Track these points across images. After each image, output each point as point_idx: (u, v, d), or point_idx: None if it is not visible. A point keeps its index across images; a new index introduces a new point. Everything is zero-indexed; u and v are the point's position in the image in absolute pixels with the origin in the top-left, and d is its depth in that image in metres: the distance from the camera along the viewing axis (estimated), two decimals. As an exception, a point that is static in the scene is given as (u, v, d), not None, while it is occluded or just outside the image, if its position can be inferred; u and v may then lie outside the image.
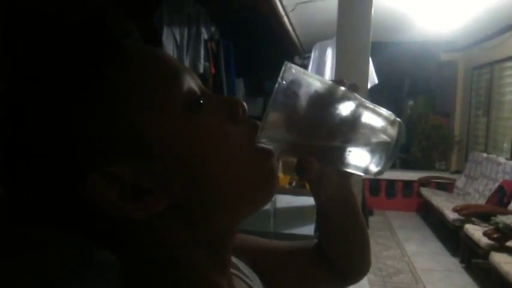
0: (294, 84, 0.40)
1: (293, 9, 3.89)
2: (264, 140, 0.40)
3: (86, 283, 1.16)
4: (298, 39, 5.25)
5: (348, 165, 0.43)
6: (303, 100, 0.40)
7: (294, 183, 3.10)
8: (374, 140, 0.41)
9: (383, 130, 0.41)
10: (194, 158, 0.37)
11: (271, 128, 0.39)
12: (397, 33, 5.19)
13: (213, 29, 3.16)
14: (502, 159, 4.76)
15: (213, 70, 3.26)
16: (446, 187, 5.94)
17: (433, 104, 7.48)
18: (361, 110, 0.41)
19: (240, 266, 0.54)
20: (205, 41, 3.12)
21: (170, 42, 2.93)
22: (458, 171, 6.11)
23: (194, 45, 3.04)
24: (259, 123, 0.41)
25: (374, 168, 0.42)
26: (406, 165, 6.58)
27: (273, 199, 2.67)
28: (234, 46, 3.57)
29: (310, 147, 0.41)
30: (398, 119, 0.42)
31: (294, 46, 5.43)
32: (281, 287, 0.60)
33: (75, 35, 0.38)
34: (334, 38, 2.95)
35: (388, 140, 0.41)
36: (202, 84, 0.43)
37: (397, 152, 0.41)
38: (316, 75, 0.43)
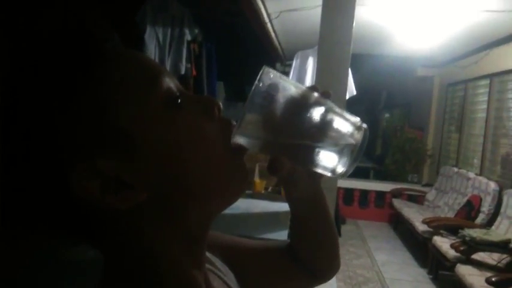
0: (271, 87, 0.43)
1: (277, 17, 3.93)
2: (239, 137, 0.43)
3: (62, 283, 1.15)
4: (280, 46, 5.30)
5: (316, 165, 0.46)
6: (278, 102, 0.43)
7: (269, 189, 3.12)
8: (341, 142, 0.44)
9: (350, 134, 0.44)
10: (172, 153, 0.40)
11: (247, 126, 0.42)
12: (377, 47, 5.30)
13: (196, 30, 3.16)
14: (471, 175, 4.90)
15: (194, 72, 3.26)
16: (417, 199, 6.08)
17: (408, 117, 7.65)
18: (331, 114, 0.45)
19: (216, 262, 0.56)
20: (188, 42, 3.11)
21: (152, 41, 2.91)
22: (429, 184, 6.26)
23: (177, 45, 3.04)
24: (233, 121, 0.44)
25: (340, 169, 0.45)
26: (379, 177, 6.70)
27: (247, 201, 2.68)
28: (216, 49, 3.58)
29: (282, 146, 0.44)
30: (364, 125, 0.46)
31: (276, 53, 5.48)
32: (254, 284, 0.62)
33: (60, 39, 0.40)
34: (316, 47, 2.99)
35: (354, 143, 0.44)
36: (182, 85, 0.45)
37: (360, 155, 0.44)
38: (292, 80, 0.46)
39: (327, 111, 0.44)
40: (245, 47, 4.12)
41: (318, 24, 2.64)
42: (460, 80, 5.78)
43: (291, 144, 0.44)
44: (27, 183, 0.38)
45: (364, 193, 6.47)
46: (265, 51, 4.95)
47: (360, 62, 4.91)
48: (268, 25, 4.02)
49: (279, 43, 5.11)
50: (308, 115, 0.44)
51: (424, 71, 6.55)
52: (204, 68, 3.40)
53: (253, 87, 0.42)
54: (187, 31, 3.07)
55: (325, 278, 0.67)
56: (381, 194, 6.46)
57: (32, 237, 0.46)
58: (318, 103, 0.45)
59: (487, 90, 5.00)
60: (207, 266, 0.52)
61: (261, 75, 0.43)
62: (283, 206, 2.68)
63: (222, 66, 3.74)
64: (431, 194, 5.77)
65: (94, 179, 0.37)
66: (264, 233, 2.19)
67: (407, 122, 7.47)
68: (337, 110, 0.45)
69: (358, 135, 0.44)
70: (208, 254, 0.55)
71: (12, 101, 0.37)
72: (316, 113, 0.44)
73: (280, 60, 6.11)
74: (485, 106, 5.04)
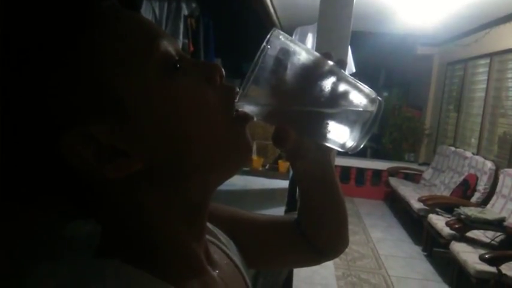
0: (281, 51, 0.40)
1: (276, -8, 3.85)
2: (243, 104, 0.41)
3: (54, 258, 1.15)
4: (279, 22, 5.22)
5: (325, 137, 0.43)
6: (288, 67, 0.40)
7: (267, 166, 3.13)
8: (353, 114, 0.42)
9: (363, 106, 0.42)
10: (169, 120, 0.38)
11: (253, 92, 0.40)
12: (378, 24, 5.23)
13: (193, 5, 3.10)
14: (468, 154, 4.92)
15: (191, 48, 3.21)
16: (413, 178, 6.11)
17: (407, 96, 7.62)
18: (344, 84, 0.42)
19: (218, 234, 0.55)
20: (185, 17, 3.06)
21: (148, 16, 2.86)
22: (426, 163, 6.29)
23: (173, 20, 2.99)
24: (237, 87, 0.41)
25: (350, 143, 0.43)
26: (376, 155, 6.73)
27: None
28: (214, 25, 3.52)
29: (290, 114, 0.42)
30: (379, 98, 0.43)
31: (274, 29, 5.40)
32: (257, 257, 0.61)
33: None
34: (315, 23, 2.95)
35: (367, 115, 0.42)
36: None
37: (373, 129, 0.42)
38: (303, 45, 0.43)
39: (340, 81, 0.42)
40: (243, 22, 4.05)
41: (317, -1, 2.59)
42: (460, 59, 5.74)
43: (299, 113, 0.42)
44: (20, 149, 0.36)
45: (361, 171, 6.50)
46: (264, 27, 4.88)
47: (359, 40, 4.86)
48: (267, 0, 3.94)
49: (278, 19, 5.04)
50: (320, 83, 0.41)
51: (424, 50, 6.48)
52: (201, 43, 3.36)
53: (260, 50, 0.39)
54: (184, 5, 3.02)
55: (332, 256, 0.66)
56: (377, 173, 6.49)
57: (31, 212, 0.45)
58: (331, 71, 0.42)
59: (487, 69, 4.97)
60: (208, 237, 0.51)
61: (269, 37, 0.40)
62: (280, 183, 2.70)
63: (219, 42, 3.69)
64: (427, 173, 5.80)
65: (87, 146, 0.35)
66: (260, 210, 2.20)
67: (405, 101, 7.44)
68: (352, 80, 0.43)
69: (372, 108, 0.42)
70: (210, 226, 0.53)
71: (5, 60, 0.35)
72: (329, 82, 0.41)
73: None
74: (484, 85, 5.02)
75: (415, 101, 7.23)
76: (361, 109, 0.42)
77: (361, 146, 0.43)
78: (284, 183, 2.70)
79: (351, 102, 0.42)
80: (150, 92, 0.37)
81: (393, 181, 5.87)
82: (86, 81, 0.35)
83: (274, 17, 4.78)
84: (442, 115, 6.39)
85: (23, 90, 0.35)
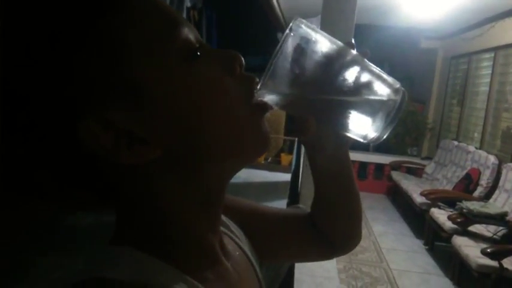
0: (303, 39, 0.40)
1: (279, -16, 3.83)
2: (263, 93, 0.40)
3: (54, 249, 1.16)
4: (282, 15, 5.19)
5: (346, 127, 0.43)
6: (310, 55, 0.40)
7: (269, 159, 3.12)
8: (376, 104, 0.41)
9: (386, 96, 0.41)
10: (188, 108, 0.38)
11: (273, 81, 0.39)
12: (382, 17, 5.20)
13: (196, -3, 3.08)
14: (471, 148, 4.90)
15: (194, 40, 3.20)
16: (416, 172, 6.11)
17: (410, 90, 7.59)
18: (368, 74, 0.42)
19: (230, 225, 0.55)
20: (188, 9, 3.04)
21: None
22: (428, 157, 6.28)
23: (176, 12, 2.97)
24: (256, 77, 0.41)
25: (372, 134, 0.42)
26: (379, 149, 6.71)
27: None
28: (217, 17, 3.50)
29: (311, 104, 0.41)
30: (402, 88, 0.43)
31: (277, 22, 5.37)
32: (269, 250, 0.60)
33: None
34: (319, 16, 2.93)
35: (391, 106, 0.41)
36: None
37: (396, 119, 0.41)
38: (326, 33, 0.42)
39: (363, 70, 0.41)
40: (246, 15, 4.02)
41: (321, -9, 2.57)
42: (464, 52, 5.70)
43: (321, 103, 0.41)
44: (37, 133, 0.36)
45: (364, 165, 6.50)
46: (267, 20, 4.85)
47: (363, 33, 4.83)
48: (271, -8, 3.92)
49: (281, 11, 5.01)
50: (343, 72, 0.40)
51: (428, 43, 6.44)
52: (204, 36, 3.34)
53: (282, 38, 0.39)
54: (187, -3, 3.00)
55: (344, 250, 0.65)
56: (380, 167, 6.49)
57: (33, 203, 0.45)
58: (355, 60, 0.41)
59: (491, 63, 4.94)
60: (222, 228, 0.51)
61: (291, 26, 0.39)
62: (283, 176, 2.69)
63: (222, 35, 3.67)
64: (430, 167, 5.79)
65: (106, 131, 0.35)
66: (262, 203, 2.19)
67: (408, 94, 7.36)
68: (375, 69, 0.42)
69: (396, 98, 0.41)
70: (223, 217, 0.53)
71: (25, 43, 0.35)
72: (352, 71, 0.41)
73: (282, 29, 6.00)
74: (488, 80, 4.99)
75: (418, 95, 7.20)
76: (384, 99, 0.41)
77: (384, 138, 0.42)
78: (286, 177, 2.70)
79: (374, 92, 0.41)
80: (170, 79, 0.37)
81: (395, 175, 5.86)
82: (105, 66, 0.35)
83: (278, 10, 4.75)
84: (445, 109, 6.37)
85: (43, 73, 0.35)
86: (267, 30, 4.70)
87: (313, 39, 0.41)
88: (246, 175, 2.65)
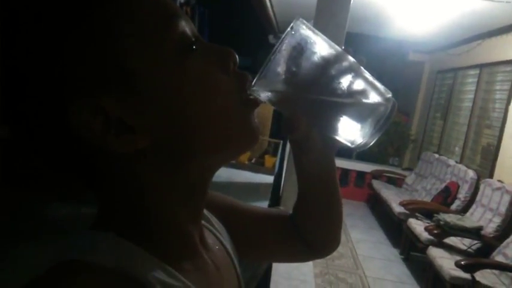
0: (303, 40, 0.41)
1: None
2: (258, 88, 0.41)
3: (36, 238, 1.14)
4: (275, 17, 5.20)
5: (336, 131, 0.43)
6: (308, 56, 0.41)
7: (253, 160, 3.12)
8: (367, 110, 0.42)
9: (377, 104, 0.42)
10: (180, 101, 0.38)
11: (270, 77, 0.40)
12: (373, 27, 5.26)
13: (190, -7, 3.07)
14: (452, 162, 4.99)
15: (185, 36, 3.18)
16: (396, 182, 6.18)
17: (396, 101, 7.68)
18: (361, 80, 0.43)
19: (212, 220, 0.55)
20: (181, 5, 3.03)
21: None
22: (409, 168, 6.37)
23: (169, 7, 2.95)
24: (249, 75, 0.42)
25: (359, 140, 0.43)
26: (361, 157, 6.77)
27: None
28: (209, 15, 3.49)
29: (303, 103, 0.42)
30: (393, 98, 0.44)
31: (270, 24, 5.38)
32: (248, 247, 0.60)
33: None
34: (312, 21, 2.95)
35: (380, 114, 0.42)
36: None
37: (384, 128, 0.42)
38: (325, 36, 0.43)
39: (358, 76, 0.42)
40: (238, 15, 4.03)
41: (315, -4, 2.59)
42: (450, 67, 5.80)
43: (313, 103, 0.42)
44: (27, 115, 0.36)
45: (345, 172, 6.55)
46: (259, 21, 4.86)
47: (353, 41, 4.87)
48: (264, -6, 3.92)
49: (274, 14, 5.02)
50: (338, 75, 0.41)
51: (416, 56, 6.54)
52: (195, 32, 3.32)
53: (283, 37, 0.39)
54: (180, -8, 2.98)
55: (323, 253, 0.65)
56: (361, 174, 6.55)
57: (13, 194, 0.45)
58: (350, 66, 0.42)
59: (476, 80, 5.03)
60: (203, 222, 0.51)
61: (293, 25, 0.40)
62: (265, 178, 2.69)
63: (214, 33, 3.66)
64: (410, 178, 5.87)
65: (96, 117, 0.36)
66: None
67: (394, 105, 7.50)
68: (369, 77, 0.43)
69: (386, 107, 0.42)
70: (205, 211, 0.54)
71: (17, 26, 0.35)
72: (347, 76, 0.42)
73: (274, 32, 6.01)
74: (472, 96, 5.08)
75: (403, 107, 7.29)
76: (375, 106, 0.42)
77: (370, 145, 0.43)
78: (269, 179, 2.70)
79: (366, 98, 0.42)
80: (164, 70, 0.37)
81: (376, 184, 5.92)
82: (99, 51, 0.35)
83: (270, 11, 4.76)
84: (428, 122, 6.47)
85: (36, 57, 0.35)
86: (258, 32, 4.71)
87: (313, 40, 0.41)
88: (228, 175, 2.64)
